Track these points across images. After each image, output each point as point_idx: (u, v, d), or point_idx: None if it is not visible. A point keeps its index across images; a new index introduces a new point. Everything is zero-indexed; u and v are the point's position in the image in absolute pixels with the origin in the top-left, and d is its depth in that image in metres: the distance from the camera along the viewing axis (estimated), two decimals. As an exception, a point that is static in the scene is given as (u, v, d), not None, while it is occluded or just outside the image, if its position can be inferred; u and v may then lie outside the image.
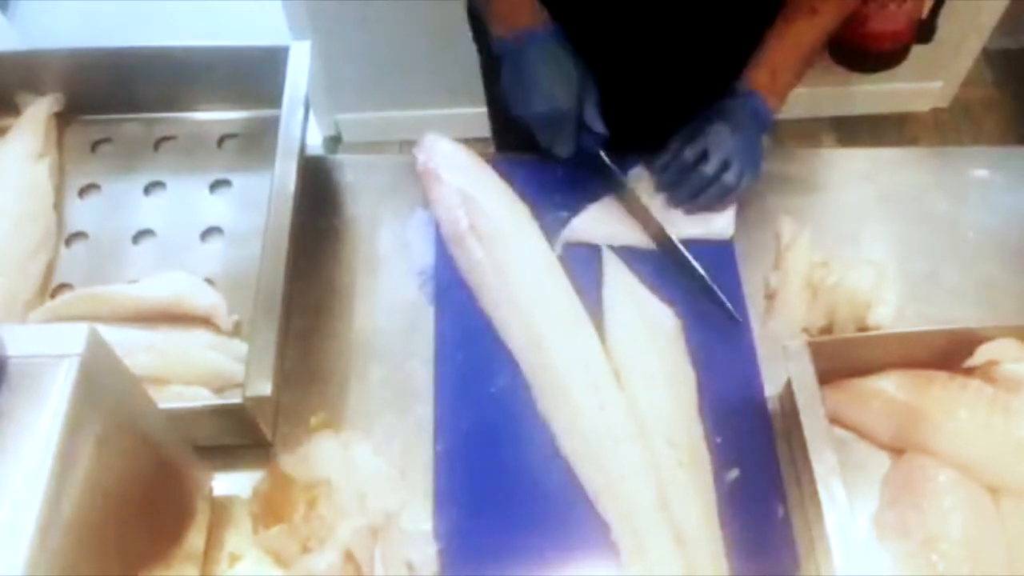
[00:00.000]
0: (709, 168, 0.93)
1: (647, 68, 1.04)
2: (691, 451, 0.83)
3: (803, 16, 0.94)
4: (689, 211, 0.98)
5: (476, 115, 1.28)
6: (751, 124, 0.95)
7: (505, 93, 0.93)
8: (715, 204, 0.97)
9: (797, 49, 0.96)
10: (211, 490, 0.83)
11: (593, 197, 1.01)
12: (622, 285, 0.94)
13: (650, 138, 1.00)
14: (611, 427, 0.83)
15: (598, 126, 0.92)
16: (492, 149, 1.28)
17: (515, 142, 1.15)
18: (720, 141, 0.93)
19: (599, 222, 0.99)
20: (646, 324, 0.91)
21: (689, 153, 0.94)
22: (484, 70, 1.18)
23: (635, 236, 0.98)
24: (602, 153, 0.97)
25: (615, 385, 0.86)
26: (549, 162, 0.99)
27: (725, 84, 0.98)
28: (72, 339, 0.55)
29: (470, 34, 1.13)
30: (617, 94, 1.04)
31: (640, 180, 1.01)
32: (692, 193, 0.96)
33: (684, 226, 0.98)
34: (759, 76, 0.96)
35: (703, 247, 0.98)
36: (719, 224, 0.98)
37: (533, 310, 0.90)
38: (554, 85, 0.89)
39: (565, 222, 0.98)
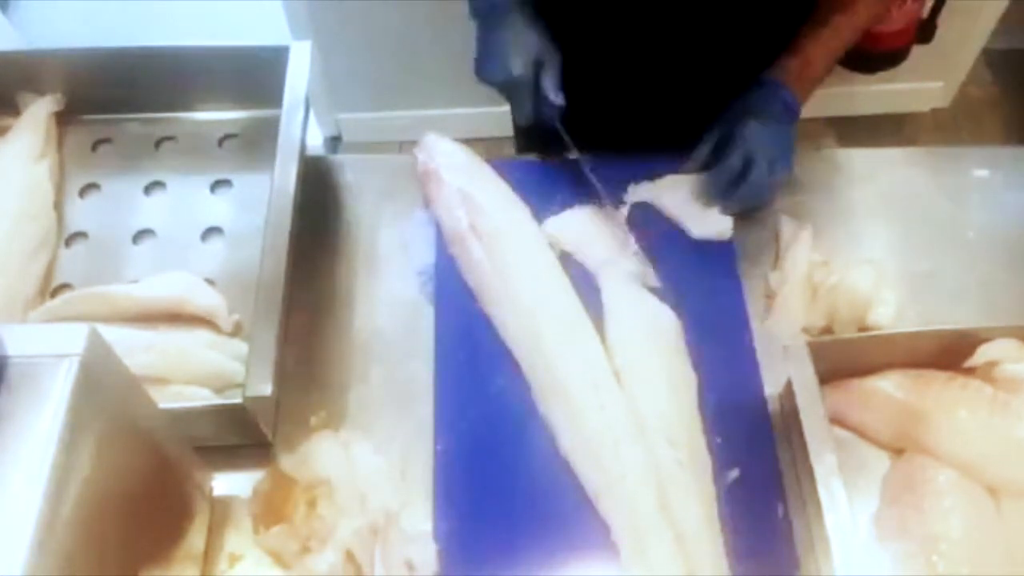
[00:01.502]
0: (759, 173, 0.94)
1: (675, 62, 1.03)
2: (691, 451, 0.83)
3: (840, 12, 0.95)
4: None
5: (476, 115, 1.29)
6: (783, 116, 0.95)
7: (475, 56, 0.93)
8: (765, 205, 0.99)
9: (832, 42, 0.96)
10: (211, 490, 0.83)
11: (591, 198, 1.01)
12: (622, 285, 0.94)
13: (678, 131, 1.00)
14: (611, 427, 0.83)
15: (554, 96, 0.91)
16: (492, 149, 1.28)
17: (537, 143, 1.16)
18: (760, 141, 0.94)
19: (569, 229, 0.99)
20: (646, 324, 0.91)
21: (736, 160, 0.94)
22: None
23: (600, 249, 0.97)
24: (559, 124, 0.96)
25: (615, 385, 0.86)
26: (551, 162, 0.99)
27: (752, 78, 0.98)
28: (72, 339, 0.55)
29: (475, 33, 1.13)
30: (645, 88, 1.04)
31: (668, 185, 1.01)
32: (747, 200, 0.97)
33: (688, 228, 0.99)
34: (791, 64, 0.96)
35: (704, 247, 0.98)
36: (720, 226, 0.98)
37: (533, 310, 0.90)
38: (510, 53, 0.89)
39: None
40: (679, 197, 1.00)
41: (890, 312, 0.94)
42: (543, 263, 0.94)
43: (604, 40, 1.01)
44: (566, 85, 0.93)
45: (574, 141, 0.98)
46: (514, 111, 0.94)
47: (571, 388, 0.85)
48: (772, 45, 0.98)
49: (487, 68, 0.91)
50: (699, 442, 0.84)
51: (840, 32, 0.96)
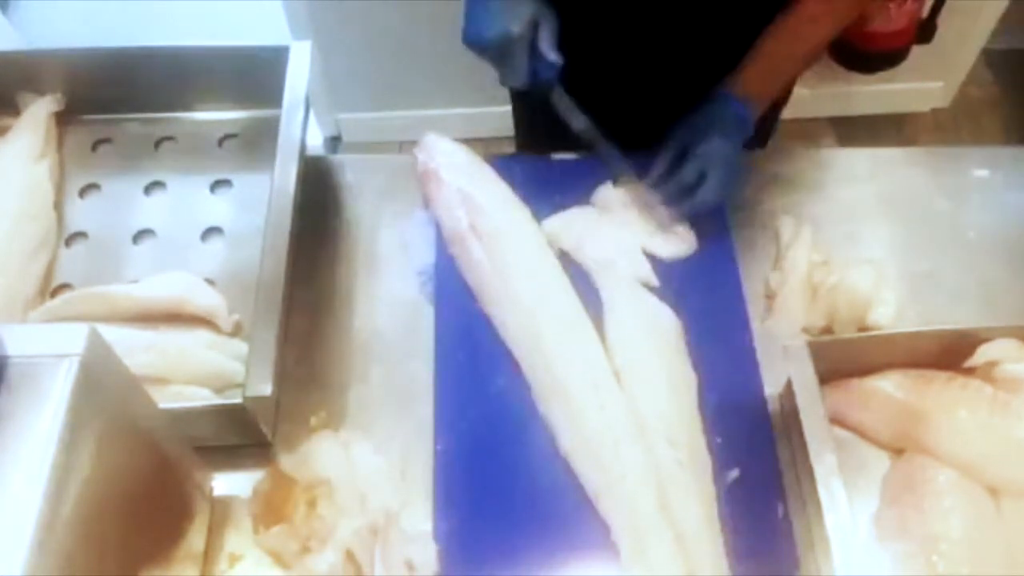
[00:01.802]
0: (710, 191, 0.92)
1: (640, 64, 1.03)
2: (691, 451, 0.83)
3: (802, 23, 0.93)
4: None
5: (476, 115, 1.29)
6: (737, 132, 0.94)
7: (463, 24, 0.90)
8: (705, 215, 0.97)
9: (791, 55, 0.95)
10: (211, 490, 0.83)
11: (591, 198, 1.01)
12: (622, 285, 0.94)
13: (642, 132, 0.99)
14: (611, 427, 0.83)
15: (551, 54, 0.89)
16: (492, 149, 1.28)
17: (542, 141, 1.15)
18: (715, 156, 0.92)
19: (569, 229, 0.98)
20: (646, 324, 0.91)
21: (689, 173, 0.93)
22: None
23: (599, 249, 0.97)
24: (557, 87, 0.94)
25: (615, 385, 0.86)
26: (551, 161, 0.99)
27: (717, 81, 0.97)
28: (72, 339, 0.55)
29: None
30: (610, 89, 1.03)
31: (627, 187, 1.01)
32: (692, 212, 0.96)
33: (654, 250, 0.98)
34: (749, 79, 0.94)
35: (704, 246, 0.98)
36: (683, 246, 0.98)
37: (533, 310, 0.90)
38: (505, 11, 0.86)
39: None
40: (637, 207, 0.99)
41: (890, 312, 0.94)
42: (543, 263, 0.94)
43: (599, 22, 1.00)
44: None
45: (577, 104, 0.96)
46: (507, 76, 0.91)
47: (571, 388, 0.85)
48: (737, 50, 0.96)
49: (481, 29, 0.87)
50: (699, 442, 0.84)
51: (798, 44, 0.94)
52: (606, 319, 0.91)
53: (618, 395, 0.85)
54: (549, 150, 1.07)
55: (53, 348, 0.55)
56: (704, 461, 0.84)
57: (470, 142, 1.03)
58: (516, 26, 0.86)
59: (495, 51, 0.89)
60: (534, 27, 0.88)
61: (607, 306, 0.92)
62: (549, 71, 0.91)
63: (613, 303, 0.92)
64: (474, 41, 0.89)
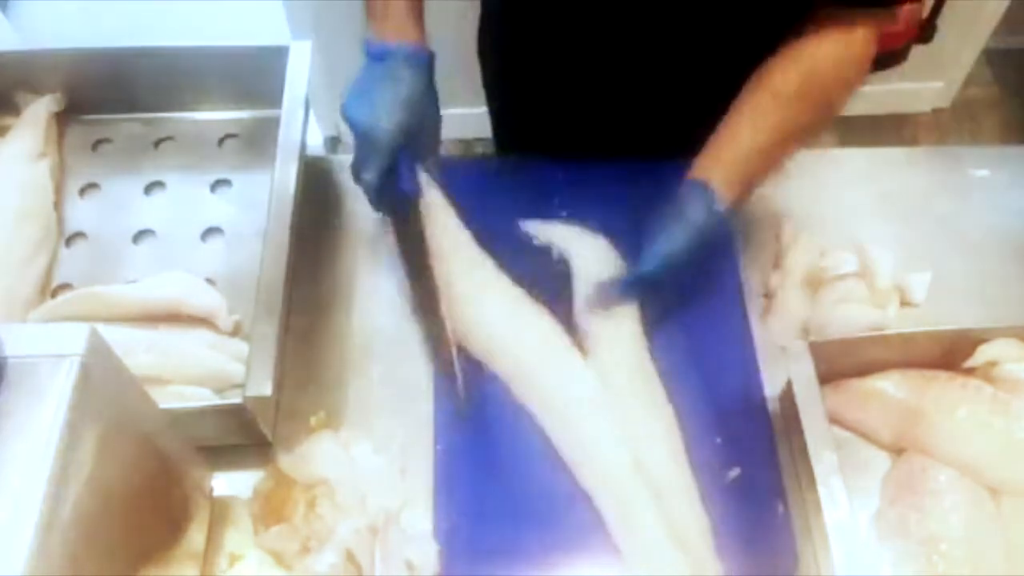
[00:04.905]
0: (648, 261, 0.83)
1: (646, 65, 1.01)
2: (652, 399, 0.85)
3: (770, 101, 0.79)
4: None
5: (476, 115, 1.29)
6: (700, 215, 0.80)
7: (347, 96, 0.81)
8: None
9: (753, 138, 0.80)
10: (211, 490, 0.83)
11: (592, 199, 1.01)
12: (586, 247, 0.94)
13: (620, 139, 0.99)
14: (580, 400, 0.84)
15: (410, 181, 0.83)
16: (490, 148, 1.28)
17: (515, 145, 1.15)
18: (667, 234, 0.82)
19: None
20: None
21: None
22: (485, 81, 1.17)
23: None
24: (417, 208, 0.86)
25: (579, 360, 0.87)
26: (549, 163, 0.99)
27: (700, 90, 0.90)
28: (72, 339, 0.55)
29: (471, 42, 1.12)
30: (613, 92, 1.03)
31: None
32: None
33: None
34: (707, 167, 0.82)
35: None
36: None
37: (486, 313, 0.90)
38: (385, 102, 0.79)
39: (565, 222, 0.98)
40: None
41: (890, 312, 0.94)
42: (486, 277, 0.92)
43: (573, 44, 0.98)
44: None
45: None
46: (363, 164, 0.80)
47: (538, 369, 0.86)
48: (742, 49, 0.94)
49: (353, 107, 0.79)
50: (658, 392, 0.86)
51: (768, 121, 0.79)
52: (575, 284, 0.92)
53: (582, 364, 0.86)
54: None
55: (53, 348, 0.55)
56: (665, 409, 0.85)
57: (468, 142, 1.03)
58: (387, 121, 0.78)
59: (358, 134, 0.80)
60: (411, 133, 0.80)
61: (575, 278, 0.92)
62: (412, 187, 0.84)
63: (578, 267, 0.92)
64: (347, 115, 0.80)
